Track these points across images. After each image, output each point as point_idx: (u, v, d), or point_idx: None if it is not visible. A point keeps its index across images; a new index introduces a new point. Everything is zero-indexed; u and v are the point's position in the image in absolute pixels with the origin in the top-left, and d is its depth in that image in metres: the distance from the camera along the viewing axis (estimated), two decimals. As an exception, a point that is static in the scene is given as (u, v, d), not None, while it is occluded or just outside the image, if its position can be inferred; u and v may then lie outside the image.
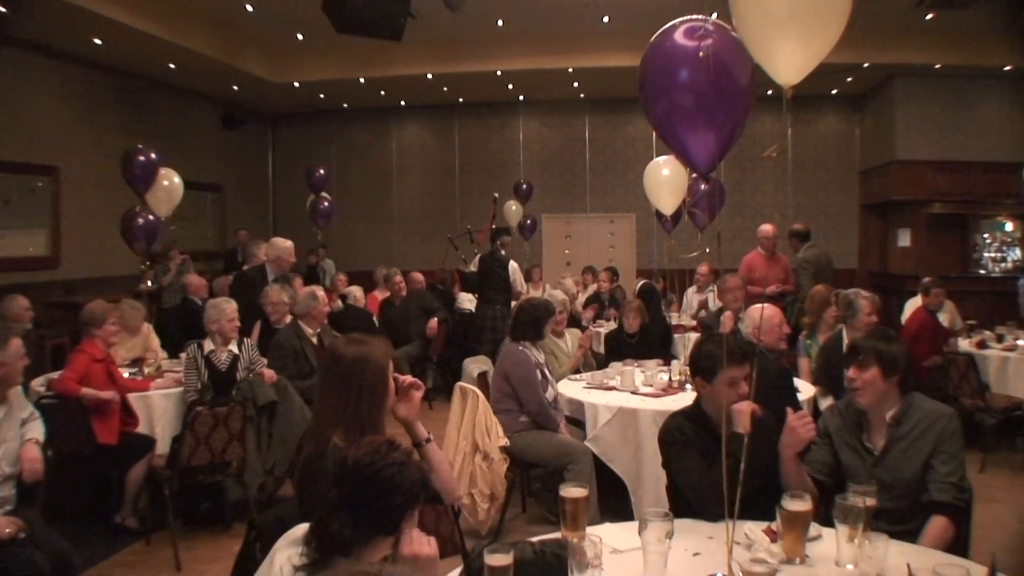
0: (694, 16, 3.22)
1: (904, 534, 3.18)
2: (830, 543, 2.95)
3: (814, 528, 3.11)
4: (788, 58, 2.99)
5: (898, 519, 3.39)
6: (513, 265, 11.99)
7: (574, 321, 9.78)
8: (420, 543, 2.34)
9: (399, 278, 11.27)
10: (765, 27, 2.99)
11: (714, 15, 3.23)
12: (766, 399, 3.58)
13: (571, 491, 3.06)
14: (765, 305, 5.94)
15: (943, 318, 8.73)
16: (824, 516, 3.12)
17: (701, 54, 3.03)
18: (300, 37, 13.62)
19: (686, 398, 4.63)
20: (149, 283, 9.79)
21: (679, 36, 3.15)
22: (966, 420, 5.98)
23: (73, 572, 4.32)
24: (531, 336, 6.23)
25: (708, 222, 8.16)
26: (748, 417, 3.24)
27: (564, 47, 13.82)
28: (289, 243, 8.51)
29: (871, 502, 2.99)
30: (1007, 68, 14.19)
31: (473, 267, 13.04)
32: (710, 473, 3.41)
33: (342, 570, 1.99)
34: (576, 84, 15.89)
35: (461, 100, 17.60)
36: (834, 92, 16.73)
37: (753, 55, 3.01)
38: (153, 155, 9.30)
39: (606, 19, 11.97)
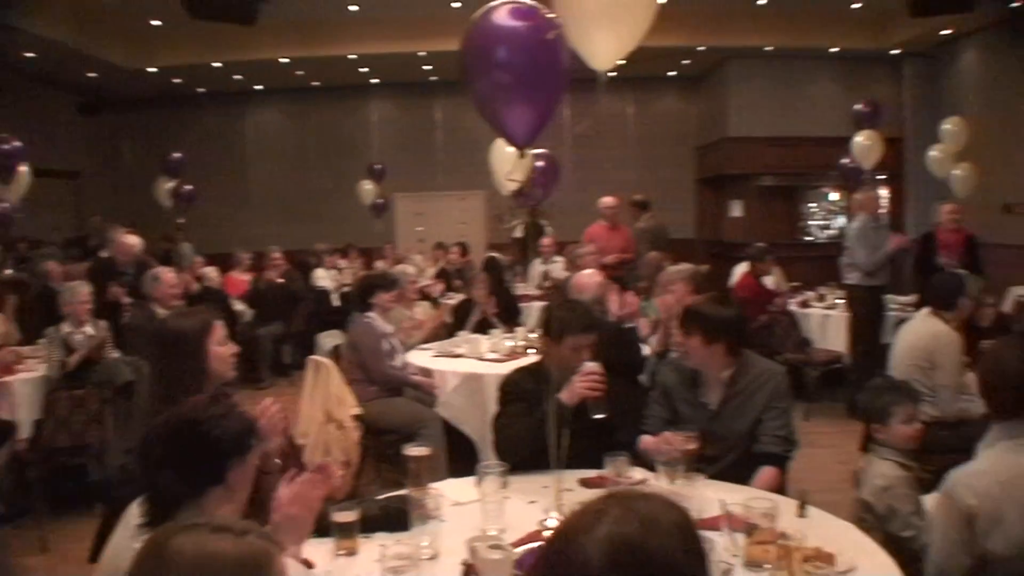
0: None
1: (735, 481, 3.43)
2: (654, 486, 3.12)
3: (639, 472, 3.40)
4: (602, 45, 3.22)
5: (727, 467, 3.64)
6: None
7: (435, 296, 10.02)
8: (289, 503, 2.47)
9: (276, 255, 11.43)
10: (582, 16, 3.21)
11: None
12: (607, 354, 3.77)
13: (413, 450, 3.19)
14: (590, 271, 6.24)
15: (771, 281, 9.24)
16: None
17: (549, 35, 3.15)
18: (155, 23, 13.32)
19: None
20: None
21: (501, 15, 3.20)
22: (791, 373, 6.41)
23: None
24: (363, 306, 6.40)
25: (543, 197, 8.45)
26: (577, 396, 3.50)
27: (416, 31, 13.87)
28: (135, 239, 8.59)
29: (692, 446, 3.29)
30: (833, 49, 15.02)
31: None
32: (524, 425, 3.62)
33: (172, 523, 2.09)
34: (427, 67, 16.05)
35: (316, 84, 17.48)
36: (672, 74, 17.38)
37: (571, 42, 3.22)
38: (17, 143, 9.22)
39: (456, 4, 12.11)
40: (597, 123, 15.21)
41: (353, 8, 13.29)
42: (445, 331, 7.85)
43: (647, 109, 17.95)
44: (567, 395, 3.54)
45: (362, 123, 18.29)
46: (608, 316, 5.81)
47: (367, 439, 6.09)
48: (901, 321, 6.91)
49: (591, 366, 3.55)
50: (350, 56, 14.95)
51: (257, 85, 17.57)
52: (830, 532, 2.88)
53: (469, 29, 3.17)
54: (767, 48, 14.88)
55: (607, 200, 10.30)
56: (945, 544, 2.78)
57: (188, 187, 13.38)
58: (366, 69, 16.30)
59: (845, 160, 11.51)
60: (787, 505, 3.04)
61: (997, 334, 6.30)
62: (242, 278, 11.97)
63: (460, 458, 5.96)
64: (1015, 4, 12.03)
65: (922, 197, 14.48)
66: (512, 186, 6.68)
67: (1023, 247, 9.06)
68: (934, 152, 11.41)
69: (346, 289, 11.72)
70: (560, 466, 3.24)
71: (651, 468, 3.30)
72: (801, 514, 3.03)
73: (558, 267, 10.69)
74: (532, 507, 3.19)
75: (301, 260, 13.13)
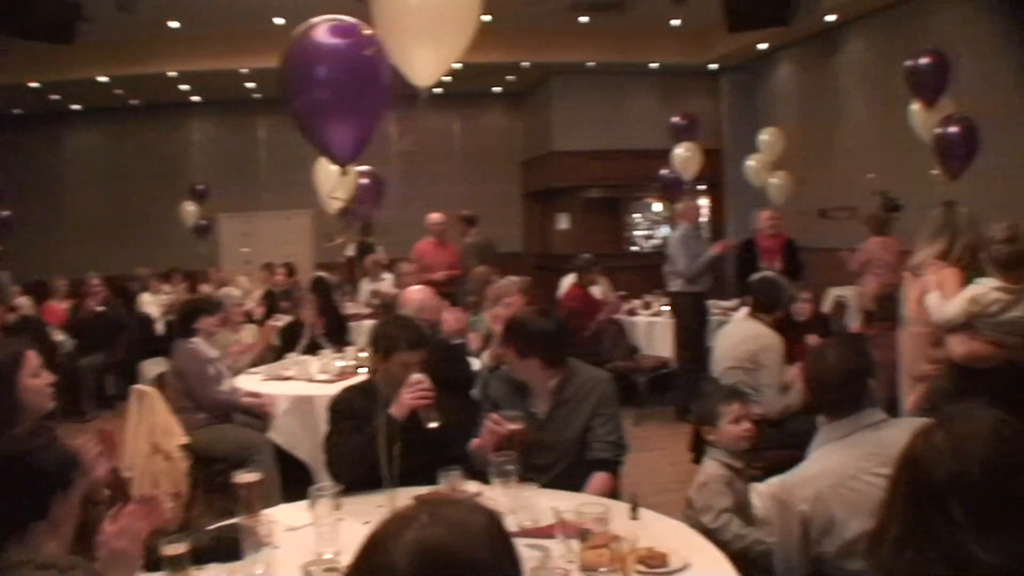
0: (338, 16, 3.32)
1: (568, 489, 3.48)
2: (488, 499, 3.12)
3: (473, 486, 3.41)
4: (423, 62, 3.23)
5: (560, 475, 3.68)
6: None
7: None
8: (115, 537, 2.40)
9: (96, 282, 10.96)
10: (403, 33, 3.21)
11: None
12: (437, 371, 3.76)
13: (243, 477, 3.13)
14: (419, 288, 6.25)
15: (598, 291, 9.42)
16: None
17: (367, 53, 3.15)
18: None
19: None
20: None
21: (322, 33, 3.21)
22: (620, 380, 6.58)
23: None
24: (186, 331, 6.24)
25: (368, 215, 8.43)
26: (407, 408, 3.49)
27: (238, 47, 13.60)
28: None
29: (514, 426, 3.43)
30: (653, 65, 15.54)
31: None
32: (354, 443, 3.59)
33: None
34: (250, 84, 15.76)
35: (135, 103, 16.92)
36: (497, 89, 17.61)
37: (393, 59, 3.22)
38: None
39: (279, 20, 11.94)
40: (423, 139, 15.22)
41: (174, 24, 12.94)
42: (273, 354, 7.71)
43: (473, 125, 18.13)
44: (396, 409, 3.52)
45: (183, 142, 17.82)
46: (440, 333, 5.81)
47: (197, 468, 5.92)
48: (723, 324, 7.15)
49: (418, 377, 3.54)
50: (170, 74, 14.54)
51: (75, 105, 16.89)
52: (663, 532, 2.96)
53: (289, 46, 3.14)
54: (589, 64, 15.24)
55: (434, 216, 10.34)
56: (785, 548, 2.88)
57: (5, 213, 12.71)
58: (187, 87, 15.90)
59: (666, 171, 11.84)
60: (619, 508, 3.10)
61: (813, 329, 6.61)
62: (60, 306, 11.47)
63: (294, 482, 5.85)
64: (829, 18, 12.67)
65: (741, 205, 15.06)
66: (336, 204, 6.61)
67: (839, 250, 9.48)
68: (751, 162, 11.87)
69: (171, 316, 11.37)
70: (394, 484, 3.22)
71: (486, 481, 3.31)
72: (633, 516, 3.09)
73: (387, 284, 10.65)
74: (367, 528, 3.12)
75: (123, 286, 12.68)
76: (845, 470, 2.79)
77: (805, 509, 2.76)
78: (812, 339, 6.25)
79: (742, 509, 3.44)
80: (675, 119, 11.83)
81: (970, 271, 4.24)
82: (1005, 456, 1.69)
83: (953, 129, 7.19)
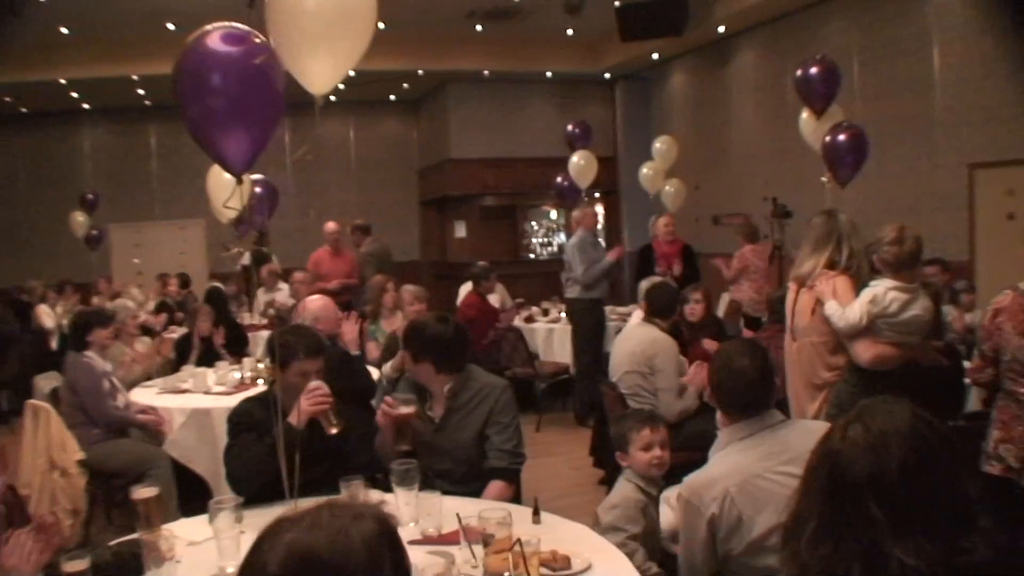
0: (232, 23, 3.28)
1: (466, 495, 3.50)
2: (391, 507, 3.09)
3: (376, 495, 3.40)
4: (318, 70, 3.22)
5: (459, 481, 3.72)
6: None
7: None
8: (6, 555, 2.34)
9: None
10: (298, 41, 3.19)
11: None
12: (336, 382, 3.77)
13: (140, 492, 3.09)
14: (317, 297, 6.22)
15: (495, 299, 9.46)
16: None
17: (257, 60, 3.11)
18: None
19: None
20: None
21: (215, 41, 3.13)
22: (520, 387, 6.63)
23: None
24: (79, 345, 6.10)
25: (263, 224, 8.33)
26: (306, 415, 3.48)
27: (129, 53, 13.32)
28: None
29: (406, 409, 3.56)
30: (549, 73, 15.70)
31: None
32: (255, 454, 3.54)
33: None
34: (141, 91, 15.46)
35: (24, 110, 16.44)
36: (393, 97, 17.55)
37: (288, 68, 3.19)
38: None
39: (171, 25, 11.71)
40: (319, 147, 15.13)
41: (63, 30, 12.63)
42: (169, 366, 7.57)
43: (369, 132, 18.05)
44: (295, 417, 3.50)
45: (74, 151, 17.32)
46: (338, 343, 5.77)
47: (94, 484, 5.77)
48: (620, 329, 7.24)
49: (315, 383, 3.54)
50: (60, 80, 14.17)
51: (-41, 114, 16.33)
52: (565, 534, 3.01)
53: (182, 53, 3.09)
54: (486, 72, 15.37)
55: (329, 225, 10.28)
56: (690, 549, 2.94)
57: None
58: (77, 94, 15.51)
59: (562, 179, 11.94)
60: (521, 513, 3.13)
61: (708, 332, 6.75)
62: (-54, 321, 11.02)
63: (192, 496, 5.76)
64: (721, 29, 12.95)
65: (636, 212, 15.31)
66: (230, 214, 6.51)
67: (731, 255, 9.73)
68: (645, 169, 12.01)
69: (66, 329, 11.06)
70: (295, 494, 3.20)
71: (389, 489, 3.31)
72: (536, 520, 3.13)
73: (283, 295, 10.53)
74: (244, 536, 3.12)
75: (13, 299, 12.28)
76: (751, 468, 2.85)
77: (714, 510, 2.81)
78: (707, 343, 6.37)
79: (652, 535, 3.49)
80: (570, 128, 11.93)
81: (857, 278, 4.36)
82: (923, 457, 1.69)
83: (842, 137, 7.37)
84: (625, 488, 3.55)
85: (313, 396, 3.50)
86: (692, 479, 2.98)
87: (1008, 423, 3.67)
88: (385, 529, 1.47)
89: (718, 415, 3.15)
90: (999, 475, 3.72)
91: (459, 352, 3.94)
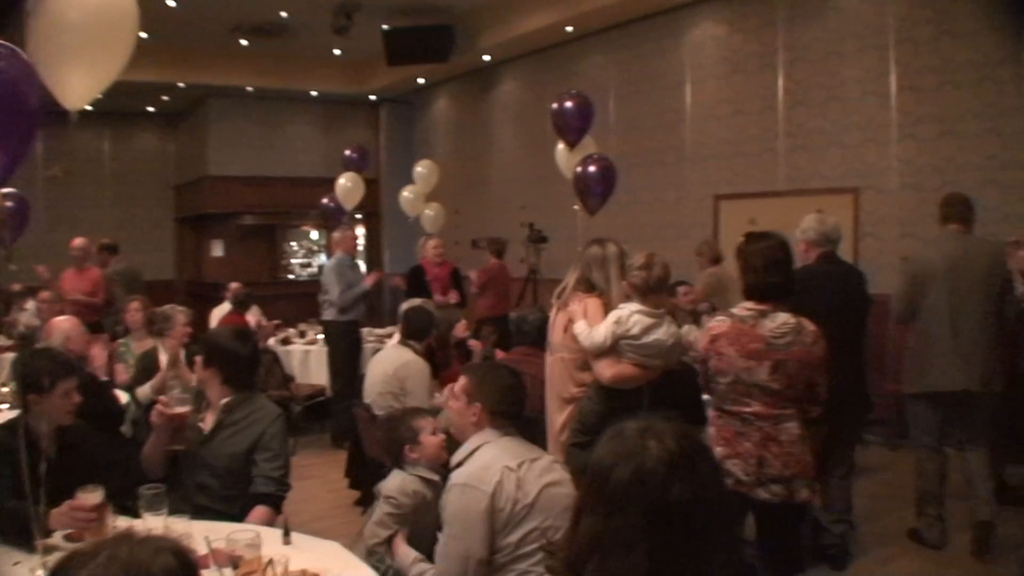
0: None
1: (222, 512, 3.52)
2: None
3: (123, 520, 3.26)
4: (76, 84, 3.15)
5: (218, 497, 3.70)
6: None
7: None
8: None
9: None
10: (56, 54, 3.11)
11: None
12: (86, 409, 3.69)
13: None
14: (65, 317, 5.97)
15: (251, 318, 9.27)
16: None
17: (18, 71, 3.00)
18: None
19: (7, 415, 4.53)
20: None
21: None
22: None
23: None
24: None
25: (12, 240, 7.91)
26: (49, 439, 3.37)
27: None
28: None
29: (181, 409, 3.56)
30: (313, 93, 15.62)
31: None
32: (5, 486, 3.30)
33: None
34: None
35: None
36: (151, 109, 16.97)
37: (45, 81, 3.09)
38: None
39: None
40: (72, 160, 14.43)
41: None
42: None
43: (124, 146, 17.27)
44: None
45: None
46: (87, 366, 5.56)
47: None
48: (378, 351, 7.32)
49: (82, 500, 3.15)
50: None
51: None
52: (316, 554, 3.05)
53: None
54: (248, 88, 15.11)
55: (76, 241, 9.92)
56: (465, 542, 3.02)
57: None
58: None
59: (326, 200, 11.91)
60: (272, 534, 3.17)
61: (458, 354, 6.99)
62: None
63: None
64: (486, 58, 13.28)
65: (397, 235, 15.47)
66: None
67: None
68: (407, 192, 12.14)
69: None
70: (42, 530, 3.06)
71: (136, 515, 3.23)
72: (286, 541, 3.17)
73: (28, 314, 9.97)
74: (17, 568, 3.01)
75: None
76: (511, 460, 3.09)
77: (487, 490, 2.99)
78: (455, 365, 6.59)
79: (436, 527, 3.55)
80: (348, 152, 11.94)
81: (611, 304, 4.60)
82: (680, 488, 1.66)
83: (592, 168, 7.67)
84: (408, 483, 3.66)
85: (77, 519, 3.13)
86: (467, 467, 3.15)
87: (731, 440, 3.89)
88: (184, 563, 1.45)
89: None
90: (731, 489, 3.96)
91: (248, 371, 3.98)
